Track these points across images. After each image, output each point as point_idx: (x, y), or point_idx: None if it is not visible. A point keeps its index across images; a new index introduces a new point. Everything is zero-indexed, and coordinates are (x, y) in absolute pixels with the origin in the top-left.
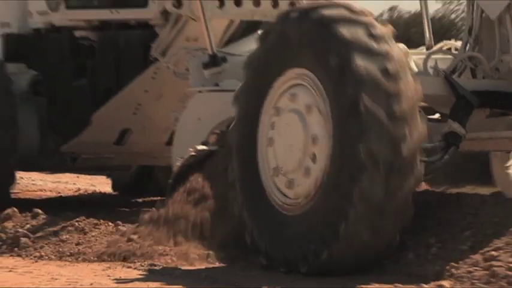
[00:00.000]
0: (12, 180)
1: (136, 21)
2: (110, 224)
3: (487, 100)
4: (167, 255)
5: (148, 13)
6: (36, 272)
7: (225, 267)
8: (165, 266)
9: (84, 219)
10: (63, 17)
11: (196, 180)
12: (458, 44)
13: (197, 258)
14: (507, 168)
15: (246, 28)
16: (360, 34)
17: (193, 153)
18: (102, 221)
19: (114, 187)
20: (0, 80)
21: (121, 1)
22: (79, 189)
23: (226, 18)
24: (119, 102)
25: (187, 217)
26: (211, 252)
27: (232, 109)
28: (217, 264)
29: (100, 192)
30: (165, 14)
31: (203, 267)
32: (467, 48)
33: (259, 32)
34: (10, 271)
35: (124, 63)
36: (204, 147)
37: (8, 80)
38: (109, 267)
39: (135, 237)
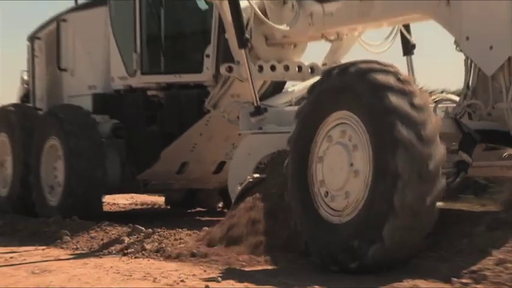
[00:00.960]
0: (101, 202)
1: (193, 83)
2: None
3: (484, 137)
4: (235, 257)
5: (203, 77)
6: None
7: (282, 268)
8: (236, 266)
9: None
10: (139, 81)
11: (255, 198)
12: (451, 95)
13: (259, 260)
14: None
15: (275, 85)
16: (403, 103)
17: (250, 180)
18: (178, 229)
19: (167, 203)
20: (89, 125)
21: (183, 68)
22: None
23: (263, 79)
24: (181, 143)
25: (248, 226)
26: (268, 256)
27: (273, 146)
28: (274, 266)
29: (152, 206)
30: (215, 77)
31: (264, 267)
32: (466, 97)
33: (289, 89)
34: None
35: (184, 114)
36: (257, 175)
37: (95, 123)
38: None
39: (207, 242)
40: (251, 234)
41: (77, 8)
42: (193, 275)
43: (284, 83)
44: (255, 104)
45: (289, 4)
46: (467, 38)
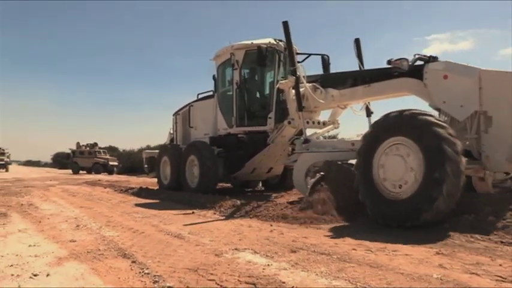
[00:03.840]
0: (215, 186)
1: (262, 130)
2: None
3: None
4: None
5: (267, 128)
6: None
7: (353, 225)
8: (323, 225)
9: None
10: (235, 130)
11: (322, 188)
12: None
13: (337, 219)
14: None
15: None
16: (444, 132)
17: (318, 176)
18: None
19: (263, 185)
20: (211, 150)
21: (257, 124)
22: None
23: (304, 128)
24: (255, 160)
25: (323, 202)
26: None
27: (315, 159)
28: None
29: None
30: (274, 128)
31: (342, 224)
32: None
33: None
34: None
35: (257, 145)
36: (318, 175)
37: (213, 149)
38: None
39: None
40: (325, 206)
41: (197, 100)
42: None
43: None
44: (304, 137)
45: (319, 91)
46: (444, 102)
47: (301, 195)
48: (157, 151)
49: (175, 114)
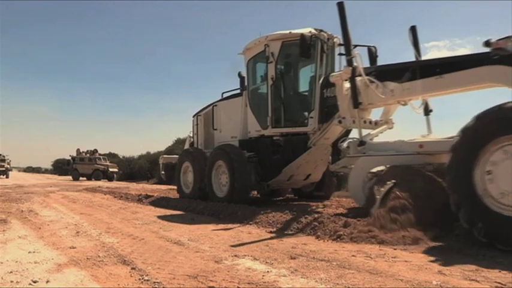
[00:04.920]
0: (249, 195)
1: (301, 132)
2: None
3: None
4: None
5: (308, 129)
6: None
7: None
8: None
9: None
10: (270, 131)
11: (397, 197)
12: None
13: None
14: None
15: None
16: None
17: (389, 184)
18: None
19: (295, 194)
20: (242, 154)
21: (295, 124)
22: None
23: (358, 128)
24: (293, 165)
25: (402, 215)
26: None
27: (376, 163)
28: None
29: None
30: (317, 128)
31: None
32: None
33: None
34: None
35: (295, 149)
36: (389, 182)
37: (245, 154)
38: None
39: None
40: (403, 220)
41: (222, 99)
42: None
43: (350, 130)
44: (360, 139)
45: (374, 85)
46: None
47: (346, 206)
48: (175, 156)
49: (196, 115)
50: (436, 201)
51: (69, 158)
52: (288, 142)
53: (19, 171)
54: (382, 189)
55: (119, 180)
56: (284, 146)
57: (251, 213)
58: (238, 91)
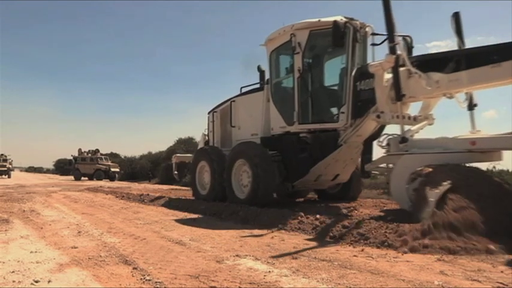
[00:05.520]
0: (272, 197)
1: (331, 128)
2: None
3: None
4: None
5: (338, 125)
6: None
7: None
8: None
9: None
10: (296, 128)
11: (458, 201)
12: None
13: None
14: None
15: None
16: None
17: (444, 187)
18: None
19: (318, 195)
20: (265, 153)
21: (325, 120)
22: None
23: (398, 124)
24: (322, 164)
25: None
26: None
27: (421, 162)
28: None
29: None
30: (347, 124)
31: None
32: None
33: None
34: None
35: (324, 147)
36: (445, 183)
37: (267, 151)
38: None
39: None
40: (468, 228)
41: (240, 94)
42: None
43: (383, 127)
44: (402, 136)
45: (416, 76)
46: None
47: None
48: (189, 155)
49: (212, 112)
50: (506, 206)
51: (71, 157)
52: (316, 139)
53: (21, 171)
54: (437, 190)
55: (120, 180)
56: (312, 144)
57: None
58: (258, 86)
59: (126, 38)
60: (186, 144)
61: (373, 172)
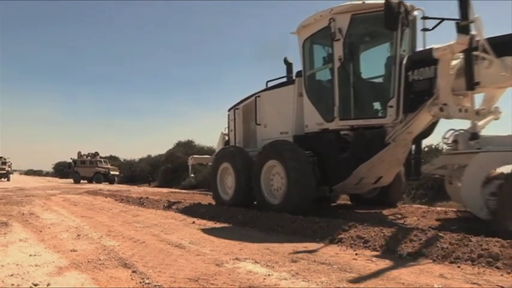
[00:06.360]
0: (311, 199)
1: (377, 124)
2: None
3: None
4: None
5: (386, 121)
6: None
7: None
8: None
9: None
10: (336, 125)
11: None
12: None
13: None
14: None
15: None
16: None
17: None
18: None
19: (351, 200)
20: (300, 152)
21: (371, 115)
22: None
23: (460, 118)
24: (366, 165)
25: None
26: None
27: (500, 162)
28: None
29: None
30: (397, 120)
31: None
32: None
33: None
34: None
35: (370, 146)
36: None
37: (303, 151)
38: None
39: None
40: None
41: (267, 89)
42: None
43: (437, 122)
44: (472, 132)
45: (485, 63)
46: None
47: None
48: (207, 156)
49: (233, 109)
50: None
51: (70, 160)
52: (359, 137)
53: (20, 174)
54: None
55: (119, 183)
56: (354, 142)
57: (252, 217)
58: (285, 79)
59: (126, 41)
60: (185, 147)
61: (432, 174)
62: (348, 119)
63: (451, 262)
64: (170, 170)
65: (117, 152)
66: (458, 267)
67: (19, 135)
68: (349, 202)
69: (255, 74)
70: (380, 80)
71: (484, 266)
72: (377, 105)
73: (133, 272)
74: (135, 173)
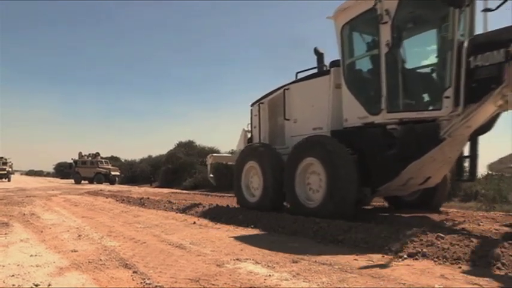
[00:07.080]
0: (354, 202)
1: (431, 118)
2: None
3: None
4: None
5: (441, 113)
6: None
7: None
8: None
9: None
10: (383, 118)
11: None
12: None
13: None
14: None
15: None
16: None
17: None
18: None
19: (389, 204)
20: (344, 150)
21: (423, 107)
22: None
23: None
24: (416, 164)
25: None
26: None
27: None
28: None
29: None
30: (454, 112)
31: None
32: None
33: None
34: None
35: (421, 142)
36: None
37: (344, 147)
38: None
39: None
40: None
41: (296, 81)
42: None
43: (498, 116)
44: None
45: None
46: None
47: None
48: (228, 155)
49: (257, 103)
50: None
51: (71, 161)
52: (409, 132)
53: (21, 174)
54: None
55: (120, 183)
56: (403, 138)
57: (253, 217)
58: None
59: (126, 42)
60: (186, 147)
61: (504, 173)
62: (396, 112)
63: (452, 263)
64: (171, 170)
65: (117, 152)
66: (459, 267)
67: (20, 135)
68: (385, 204)
69: (255, 74)
70: (434, 67)
71: (485, 267)
72: (430, 96)
73: (134, 272)
74: (136, 173)
